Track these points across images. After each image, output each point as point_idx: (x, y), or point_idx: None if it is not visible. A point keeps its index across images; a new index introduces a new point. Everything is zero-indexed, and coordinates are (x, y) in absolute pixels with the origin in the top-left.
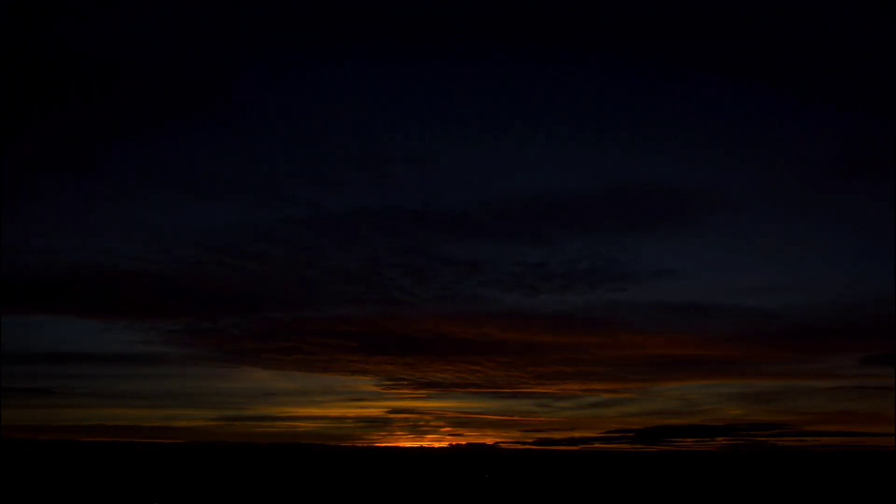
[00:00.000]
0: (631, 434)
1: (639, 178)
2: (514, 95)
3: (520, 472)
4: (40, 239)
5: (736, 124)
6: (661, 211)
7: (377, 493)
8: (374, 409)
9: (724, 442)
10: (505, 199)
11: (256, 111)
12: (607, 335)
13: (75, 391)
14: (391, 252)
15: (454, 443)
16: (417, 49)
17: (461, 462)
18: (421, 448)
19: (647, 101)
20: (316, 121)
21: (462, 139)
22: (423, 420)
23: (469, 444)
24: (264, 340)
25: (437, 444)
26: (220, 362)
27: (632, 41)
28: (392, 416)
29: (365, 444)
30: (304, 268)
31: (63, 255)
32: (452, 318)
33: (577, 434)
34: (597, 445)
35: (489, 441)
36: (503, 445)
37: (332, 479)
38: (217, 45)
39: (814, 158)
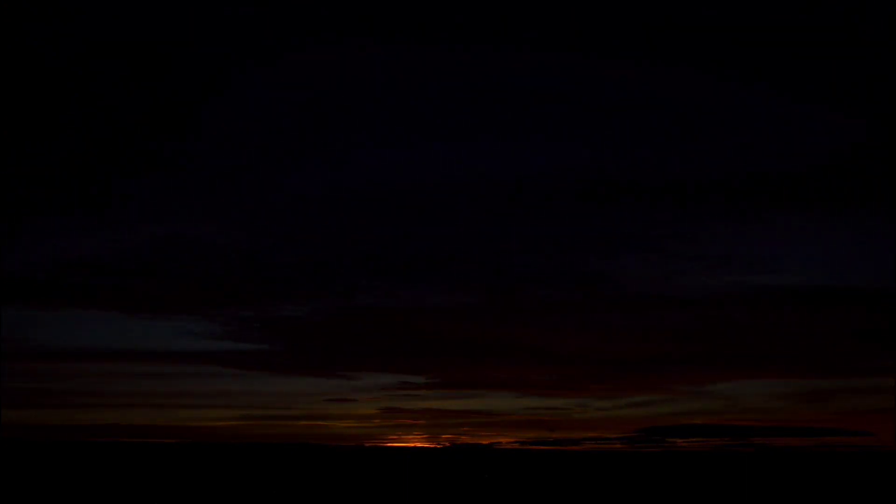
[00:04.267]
0: (641, 434)
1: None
2: None
3: (511, 473)
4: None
5: None
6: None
7: (373, 494)
8: (392, 409)
9: (729, 442)
10: (695, 171)
11: None
12: (715, 323)
13: (112, 391)
14: (532, 224)
15: (449, 443)
16: None
17: (454, 463)
18: (416, 448)
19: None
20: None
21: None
22: (446, 421)
23: (461, 445)
24: (332, 335)
25: (436, 446)
26: (274, 358)
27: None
28: (410, 416)
29: (371, 445)
30: (422, 243)
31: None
32: (558, 309)
33: (593, 434)
34: (602, 446)
35: (494, 441)
36: (497, 446)
37: (333, 480)
38: None
39: None
